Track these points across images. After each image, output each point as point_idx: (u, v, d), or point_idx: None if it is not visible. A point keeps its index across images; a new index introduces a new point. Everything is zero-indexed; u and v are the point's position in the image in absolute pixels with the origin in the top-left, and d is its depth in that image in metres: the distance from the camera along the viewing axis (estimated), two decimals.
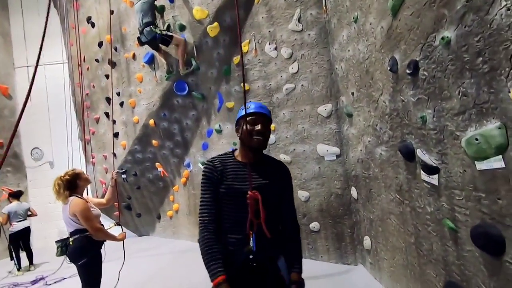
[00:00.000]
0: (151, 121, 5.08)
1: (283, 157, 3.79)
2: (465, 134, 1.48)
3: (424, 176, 1.87)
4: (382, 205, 2.57)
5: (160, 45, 4.45)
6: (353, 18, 2.60)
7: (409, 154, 2.00)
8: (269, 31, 3.79)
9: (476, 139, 1.40)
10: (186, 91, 4.64)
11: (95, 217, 2.41)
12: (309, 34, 3.49)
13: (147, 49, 4.97)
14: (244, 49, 4.06)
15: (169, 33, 4.35)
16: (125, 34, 5.29)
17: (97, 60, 5.77)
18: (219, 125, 4.50)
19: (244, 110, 1.34)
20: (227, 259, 1.26)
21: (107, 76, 5.62)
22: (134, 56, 5.20)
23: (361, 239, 3.21)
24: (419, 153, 1.88)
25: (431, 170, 1.77)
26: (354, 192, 3.21)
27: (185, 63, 4.45)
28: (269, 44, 3.80)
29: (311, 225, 3.65)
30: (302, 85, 3.58)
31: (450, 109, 1.57)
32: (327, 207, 3.53)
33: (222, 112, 4.45)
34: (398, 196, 2.28)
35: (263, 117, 1.36)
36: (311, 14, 3.45)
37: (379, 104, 2.36)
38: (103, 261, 2.47)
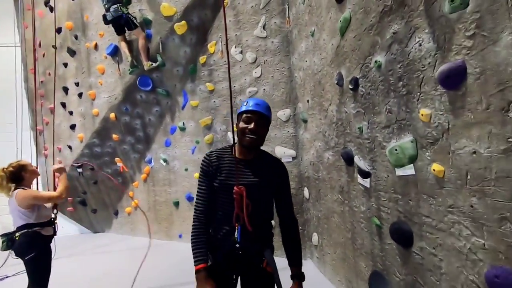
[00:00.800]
0: (112, 115, 4.95)
1: None
2: (389, 145, 1.74)
3: (359, 179, 2.13)
4: (328, 205, 2.84)
5: (126, 31, 4.39)
6: (310, 32, 2.83)
7: (349, 160, 2.26)
8: (236, 34, 3.91)
9: (396, 150, 1.66)
10: (151, 87, 4.60)
11: (43, 194, 2.35)
12: (272, 42, 3.68)
13: (110, 40, 4.83)
14: (211, 50, 4.14)
15: (136, 21, 4.31)
16: (87, 22, 5.08)
17: (54, 47, 5.45)
18: (183, 123, 4.53)
19: (243, 106, 1.39)
20: (216, 246, 1.37)
21: (65, 65, 5.34)
22: (96, 46, 5.02)
23: (310, 235, 3.48)
24: (356, 159, 2.14)
25: (364, 174, 2.03)
26: (306, 192, 3.46)
27: (149, 58, 4.41)
28: (235, 48, 3.92)
29: None
30: (264, 89, 3.76)
31: (379, 123, 1.83)
32: None
33: (187, 110, 4.49)
34: (340, 197, 2.54)
35: (258, 116, 1.35)
36: (275, 23, 3.64)
37: (328, 113, 2.61)
38: (52, 258, 2.42)
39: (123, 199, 5.54)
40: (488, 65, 1.11)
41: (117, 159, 5.23)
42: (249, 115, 1.35)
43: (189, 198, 4.61)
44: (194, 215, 1.40)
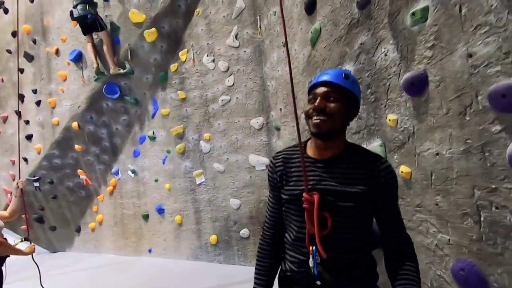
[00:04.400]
0: (75, 124, 4.65)
1: (216, 166, 3.89)
2: None
3: None
4: None
5: (92, 33, 4.21)
6: (282, 43, 2.91)
7: None
8: (208, 43, 3.91)
9: None
10: (118, 95, 4.41)
11: None
12: (245, 51, 3.73)
13: (74, 45, 4.59)
14: (182, 58, 4.09)
15: (103, 23, 4.16)
16: (47, 26, 4.79)
17: (8, 51, 5.06)
18: (153, 132, 4.38)
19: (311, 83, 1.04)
20: (293, 280, 1.05)
21: (21, 71, 4.96)
22: (57, 52, 4.73)
23: None
24: None
25: None
26: None
27: (115, 63, 4.24)
28: (207, 56, 3.92)
29: (241, 232, 3.80)
30: (237, 97, 3.78)
31: (350, 128, 1.91)
32: (256, 214, 3.74)
33: (157, 118, 4.35)
34: None
35: (326, 87, 0.96)
36: (247, 33, 3.70)
37: (301, 120, 2.67)
38: (3, 282, 2.18)
39: (86, 214, 5.17)
40: (447, 73, 1.21)
41: (80, 171, 4.89)
42: (315, 90, 0.99)
43: (160, 210, 4.42)
44: (260, 234, 1.15)
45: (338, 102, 0.96)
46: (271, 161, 1.12)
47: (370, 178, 0.95)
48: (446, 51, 1.20)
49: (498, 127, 1.05)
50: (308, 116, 0.98)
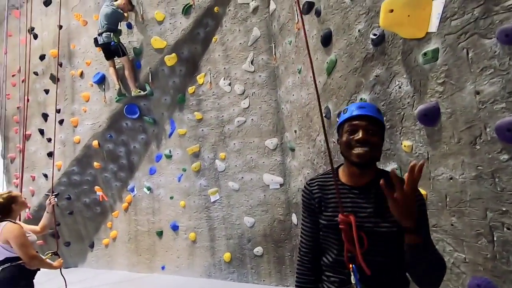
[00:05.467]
0: (95, 142, 4.87)
1: (231, 185, 4.03)
2: None
3: None
4: None
5: (114, 58, 4.50)
6: (298, 69, 3.12)
7: None
8: (224, 68, 4.16)
9: None
10: (137, 115, 4.65)
11: (31, 244, 2.27)
12: (260, 76, 3.96)
13: (98, 68, 4.89)
14: (200, 81, 4.34)
15: (125, 49, 4.45)
16: (73, 51, 5.13)
17: (36, 73, 5.39)
18: (170, 151, 4.56)
19: (342, 116, 1.11)
20: None
21: (46, 91, 5.26)
22: (82, 74, 5.03)
23: None
24: None
25: None
26: (294, 218, 3.58)
27: (136, 86, 4.50)
28: (224, 80, 4.15)
29: (255, 250, 3.87)
30: (252, 119, 3.97)
31: None
32: (271, 232, 3.82)
33: (174, 138, 4.55)
34: None
35: (367, 121, 1.04)
36: (262, 59, 3.95)
37: (316, 142, 2.83)
38: None
39: (100, 230, 5.28)
40: (457, 107, 1.37)
41: (97, 187, 5.06)
42: (353, 122, 1.05)
43: (174, 227, 4.52)
44: (297, 259, 1.19)
45: (377, 134, 1.05)
46: (306, 188, 1.16)
47: None
48: (456, 88, 1.37)
49: (506, 156, 1.19)
50: (349, 147, 1.04)
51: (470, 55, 1.29)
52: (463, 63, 1.32)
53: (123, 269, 5.01)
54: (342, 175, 1.12)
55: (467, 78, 1.31)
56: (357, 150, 1.02)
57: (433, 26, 1.45)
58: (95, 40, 4.51)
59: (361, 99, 2.05)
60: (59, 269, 2.58)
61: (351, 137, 1.04)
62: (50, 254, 2.70)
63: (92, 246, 5.35)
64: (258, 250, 3.85)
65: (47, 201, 2.75)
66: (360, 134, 1.02)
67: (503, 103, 1.18)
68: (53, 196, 2.80)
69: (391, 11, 1.60)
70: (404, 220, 0.90)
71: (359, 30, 2.03)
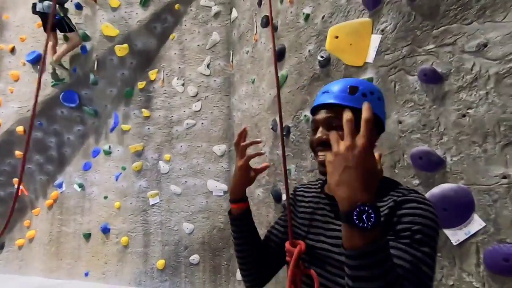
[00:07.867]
0: (20, 128, 4.29)
1: (173, 188, 3.86)
2: None
3: None
4: None
5: (55, 32, 4.03)
6: (251, 79, 3.16)
7: (277, 197, 2.50)
8: (179, 67, 4.04)
9: None
10: (76, 104, 4.23)
11: None
12: (215, 80, 3.92)
13: (34, 47, 4.36)
14: (151, 77, 4.14)
15: (72, 25, 4.01)
16: (6, 22, 4.51)
17: None
18: (109, 146, 4.22)
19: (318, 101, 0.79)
20: None
21: None
22: (13, 50, 4.44)
23: (235, 270, 3.51)
24: (284, 197, 2.39)
25: None
26: None
27: (59, 59, 4.07)
28: (177, 79, 4.02)
29: (191, 258, 3.73)
30: (202, 123, 3.89)
31: (305, 167, 2.14)
32: (209, 240, 3.73)
33: (116, 133, 4.23)
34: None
35: (328, 110, 0.74)
36: (219, 64, 3.92)
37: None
38: None
39: (14, 229, 4.60)
40: (383, 133, 1.50)
41: (15, 179, 4.43)
42: (315, 116, 0.78)
43: (105, 230, 4.15)
44: None
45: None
46: (292, 193, 0.98)
47: (398, 218, 0.64)
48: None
49: (417, 181, 1.33)
50: (312, 150, 0.78)
51: (396, 87, 1.44)
52: (391, 94, 1.46)
53: (38, 275, 4.42)
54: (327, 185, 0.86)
55: (392, 108, 1.45)
56: (319, 156, 0.74)
57: (370, 57, 1.59)
58: (33, 6, 3.95)
59: (305, 115, 2.14)
60: None
61: (312, 136, 0.77)
62: None
63: (1, 247, 4.63)
64: (195, 258, 3.73)
65: None
66: (318, 133, 0.74)
67: (418, 133, 1.33)
68: None
69: (337, 37, 1.71)
70: (338, 188, 0.54)
71: (309, 51, 2.13)
